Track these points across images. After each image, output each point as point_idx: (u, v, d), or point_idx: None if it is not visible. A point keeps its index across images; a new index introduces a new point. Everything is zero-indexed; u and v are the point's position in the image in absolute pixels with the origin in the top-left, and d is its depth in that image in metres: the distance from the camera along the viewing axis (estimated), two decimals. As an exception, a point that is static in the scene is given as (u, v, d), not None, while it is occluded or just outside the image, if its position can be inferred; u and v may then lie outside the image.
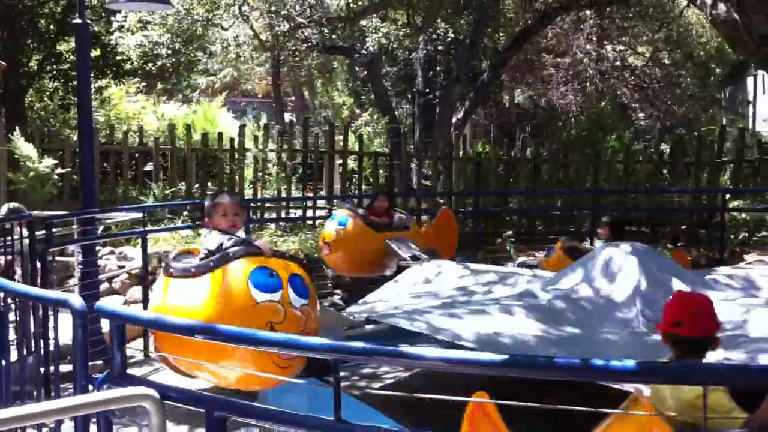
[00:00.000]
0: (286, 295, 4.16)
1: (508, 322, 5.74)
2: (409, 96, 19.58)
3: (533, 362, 3.15)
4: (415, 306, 6.40)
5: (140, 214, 8.34)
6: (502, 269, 7.83)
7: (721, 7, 10.85)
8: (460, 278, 7.47)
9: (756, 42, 10.18)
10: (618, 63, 20.57)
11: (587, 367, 2.82)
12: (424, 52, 17.11)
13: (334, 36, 15.41)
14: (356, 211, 8.14)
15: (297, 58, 20.19)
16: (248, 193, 11.85)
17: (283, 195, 11.74)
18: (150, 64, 16.84)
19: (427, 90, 17.09)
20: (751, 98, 22.11)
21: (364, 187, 12.25)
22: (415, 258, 7.71)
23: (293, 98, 27.66)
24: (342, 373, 5.44)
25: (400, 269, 7.58)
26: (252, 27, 14.13)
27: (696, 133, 13.92)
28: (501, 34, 18.05)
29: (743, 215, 11.26)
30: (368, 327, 6.34)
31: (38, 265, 6.44)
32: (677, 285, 6.25)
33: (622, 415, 3.09)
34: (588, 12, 18.59)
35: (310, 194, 12.11)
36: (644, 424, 3.01)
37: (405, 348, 3.28)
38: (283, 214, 11.57)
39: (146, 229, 7.96)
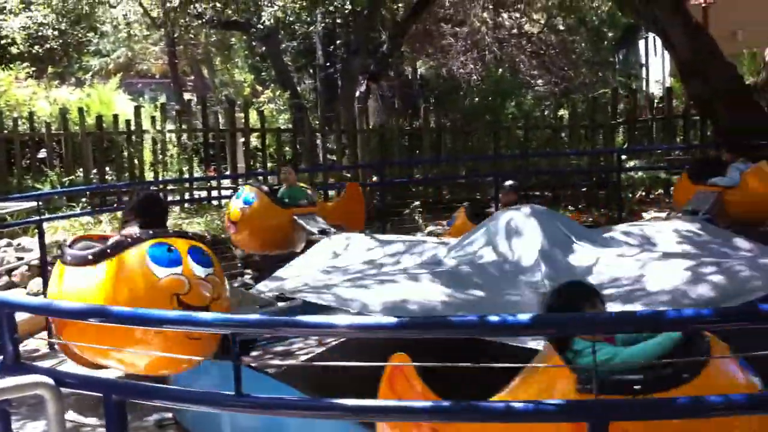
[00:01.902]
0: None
1: (415, 290, 5.78)
2: (311, 70, 19.44)
3: (434, 323, 3.22)
4: (324, 280, 6.39)
5: (35, 203, 8.02)
6: (409, 239, 7.86)
7: (608, -31, 11.16)
8: (369, 250, 7.47)
9: (644, 3, 10.51)
10: (515, 31, 20.92)
11: (484, 324, 2.89)
12: (323, 25, 16.99)
13: (228, 11, 15.11)
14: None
15: (192, 35, 19.72)
16: (149, 175, 11.56)
17: (186, 176, 11.51)
18: (37, 47, 16.18)
19: (328, 64, 17.01)
20: (643, 60, 22.79)
21: (269, 164, 12.11)
22: (324, 232, 7.62)
23: (192, 77, 27.06)
24: (257, 353, 5.42)
25: (309, 245, 7.43)
26: (141, 4, 13.72)
27: (591, 97, 14.29)
28: (399, 5, 18.06)
29: (639, 174, 11.65)
30: (280, 304, 6.29)
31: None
32: (577, 245, 6.43)
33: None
34: (483, -20, 18.83)
35: (213, 174, 11.92)
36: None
37: (303, 317, 3.29)
38: (186, 196, 11.33)
39: (42, 217, 7.67)
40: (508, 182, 8.40)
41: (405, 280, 6.16)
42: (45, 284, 7.17)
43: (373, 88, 15.66)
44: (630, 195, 11.13)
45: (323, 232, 7.64)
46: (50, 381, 2.95)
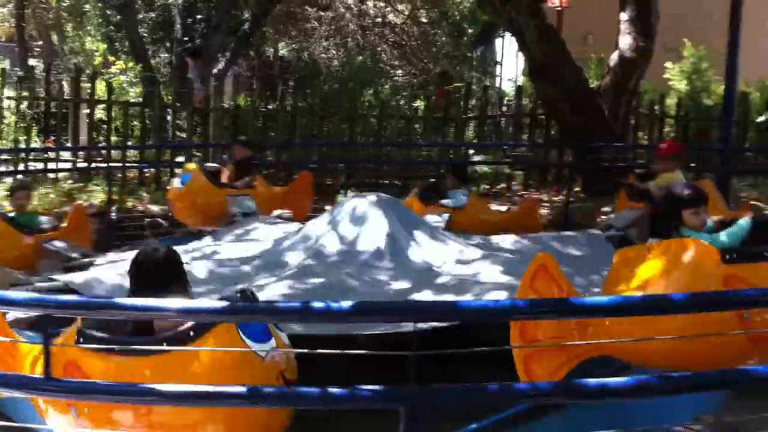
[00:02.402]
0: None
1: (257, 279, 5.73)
2: (168, 44, 18.77)
3: (255, 308, 3.16)
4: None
5: None
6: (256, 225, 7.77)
7: (468, -33, 11.39)
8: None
9: (501, 3, 10.79)
10: (378, 19, 21.05)
11: (308, 311, 2.86)
12: (182, -2, 16.44)
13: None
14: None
15: (42, -1, 18.69)
16: (-19, 143, 10.86)
17: (22, 146, 10.85)
18: None
19: (186, 38, 16.46)
20: (499, 58, 23.47)
21: (113, 138, 11.61)
22: (246, 215, 7.80)
23: (40, 43, 25.59)
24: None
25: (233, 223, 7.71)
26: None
27: (444, 90, 14.57)
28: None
29: (485, 168, 11.98)
30: (38, 284, 5.96)
31: None
32: (418, 234, 6.55)
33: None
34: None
35: (51, 144, 11.30)
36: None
37: (122, 300, 3.15)
38: (21, 167, 10.68)
39: None
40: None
41: (246, 267, 6.12)
42: None
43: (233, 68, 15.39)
44: (474, 188, 11.42)
45: (246, 215, 7.81)
46: None
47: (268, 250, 6.66)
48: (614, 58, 11.62)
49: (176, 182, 8.32)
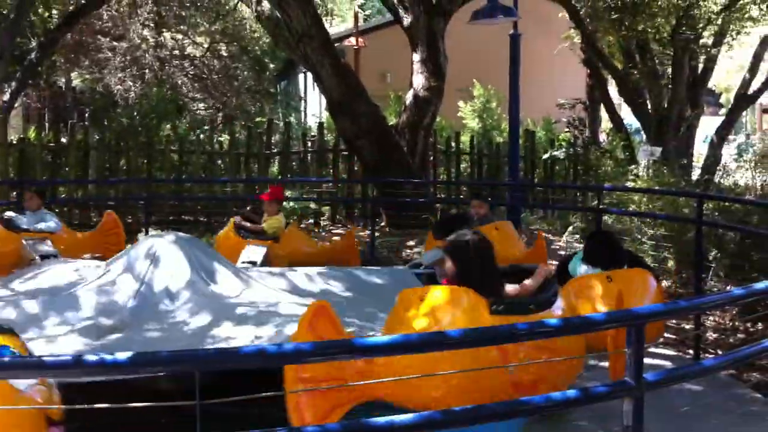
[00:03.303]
0: None
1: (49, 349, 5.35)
2: None
3: (27, 363, 2.94)
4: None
5: None
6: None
7: (266, 4, 11.44)
8: None
9: (296, 40, 10.93)
10: (177, 52, 20.64)
11: (80, 364, 2.69)
12: (-40, 23, 15.30)
13: None
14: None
15: None
16: None
17: None
18: None
19: (-35, 66, 15.32)
20: (302, 93, 23.73)
21: None
22: (45, 257, 7.30)
23: None
24: None
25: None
26: None
27: (247, 126, 14.49)
28: (54, 12, 16.92)
29: (291, 204, 11.98)
30: None
31: None
32: (220, 273, 6.42)
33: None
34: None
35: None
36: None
37: None
38: None
39: None
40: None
41: (41, 341, 5.70)
42: None
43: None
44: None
45: (46, 257, 7.31)
46: None
47: (60, 291, 6.28)
48: (409, 96, 12.11)
49: None
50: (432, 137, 12.96)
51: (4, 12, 14.60)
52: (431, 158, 13.19)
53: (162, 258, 6.34)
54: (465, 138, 14.33)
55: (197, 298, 5.99)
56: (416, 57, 12.04)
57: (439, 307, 4.05)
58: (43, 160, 11.44)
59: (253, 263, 7.62)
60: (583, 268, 5.66)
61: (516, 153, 10.55)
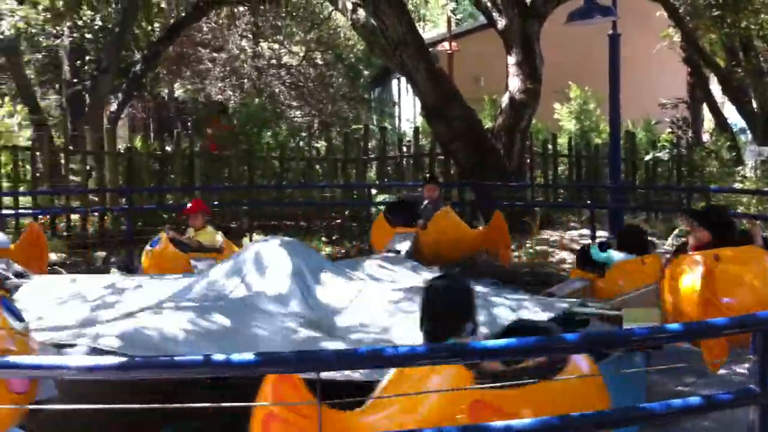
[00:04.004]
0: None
1: (156, 321, 5.56)
2: (57, 86, 18.25)
3: (159, 363, 3.07)
4: (60, 314, 5.99)
5: None
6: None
7: (361, 12, 11.58)
8: (109, 278, 7.16)
9: (392, 47, 11.03)
10: (274, 61, 21.08)
11: (208, 363, 2.81)
12: (70, 39, 16.04)
13: (-35, 16, 13.84)
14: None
15: None
16: None
17: None
18: None
19: (75, 80, 16.06)
20: (396, 99, 23.87)
21: (5, 184, 11.13)
22: (20, 275, 7.07)
23: None
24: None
25: None
26: None
27: (344, 132, 14.68)
28: (155, 25, 17.55)
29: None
30: None
31: None
32: (326, 277, 6.52)
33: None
34: (241, 8, 18.80)
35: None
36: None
37: (23, 359, 3.02)
38: None
39: None
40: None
41: (148, 314, 5.92)
42: None
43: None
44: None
45: (19, 275, 7.06)
46: None
47: (174, 293, 6.51)
48: (505, 99, 12.01)
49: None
50: (528, 140, 12.83)
51: (109, 26, 15.23)
52: (528, 161, 13.06)
53: (268, 262, 6.50)
54: (562, 140, 14.13)
55: (303, 302, 6.11)
56: (511, 60, 11.95)
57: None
58: (150, 168, 11.87)
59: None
60: (620, 255, 6.68)
61: (617, 154, 10.35)
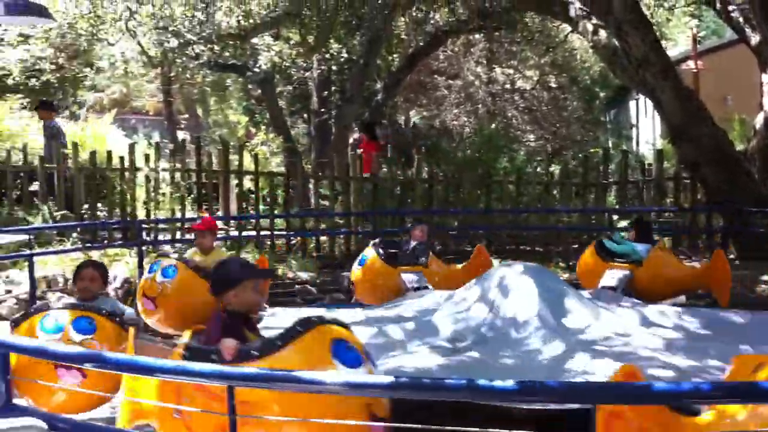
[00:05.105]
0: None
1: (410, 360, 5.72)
2: (305, 115, 19.56)
3: (425, 384, 3.20)
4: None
5: (26, 236, 7.97)
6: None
7: (602, 33, 11.35)
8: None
9: (635, 67, 10.70)
10: (507, 86, 21.21)
11: (473, 388, 2.88)
12: (319, 71, 17.15)
13: (225, 53, 15.24)
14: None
15: (188, 75, 19.86)
16: (141, 214, 11.53)
17: (177, 216, 11.47)
18: (33, 80, 16.22)
19: (323, 110, 17.12)
20: (633, 121, 23.12)
21: (261, 207, 12.10)
22: (418, 289, 7.78)
23: (186, 116, 27.17)
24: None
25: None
26: (139, 43, 13.80)
27: (582, 155, 14.41)
28: (395, 55, 18.30)
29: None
30: None
31: None
32: (570, 303, 6.45)
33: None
34: (477, 36, 19.10)
35: (205, 215, 11.87)
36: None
37: (300, 373, 3.27)
38: (177, 236, 11.27)
39: (33, 252, 7.61)
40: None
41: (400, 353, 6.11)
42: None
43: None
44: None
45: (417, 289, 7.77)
46: (43, 424, 2.91)
47: (418, 318, 6.73)
48: (759, 120, 11.24)
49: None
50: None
51: (354, 58, 16.09)
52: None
53: (511, 287, 6.54)
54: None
55: (546, 328, 6.08)
56: (765, 78, 11.19)
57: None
58: (392, 192, 12.36)
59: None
60: (641, 247, 7.93)
61: None
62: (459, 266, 8.74)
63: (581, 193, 12.48)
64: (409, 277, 7.95)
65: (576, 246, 11.71)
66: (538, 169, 13.62)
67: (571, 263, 10.98)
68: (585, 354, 5.55)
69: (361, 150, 13.11)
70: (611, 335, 6.06)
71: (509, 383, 2.86)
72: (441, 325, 6.46)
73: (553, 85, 21.53)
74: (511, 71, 21.42)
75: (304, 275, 10.10)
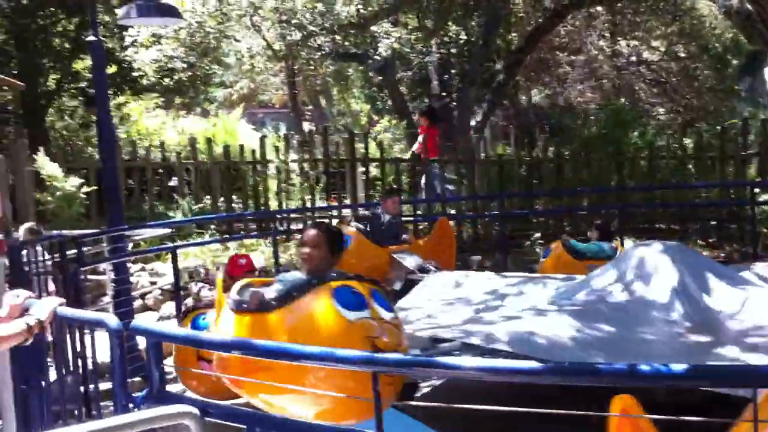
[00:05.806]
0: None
1: (542, 324, 5.71)
2: (426, 100, 19.54)
3: (577, 369, 3.12)
4: (447, 313, 6.41)
5: (168, 230, 8.35)
6: (529, 276, 7.79)
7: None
8: (489, 281, 7.49)
9: (771, 31, 10.10)
10: (633, 58, 20.47)
11: (633, 373, 2.77)
12: (438, 55, 17.07)
13: (346, 43, 15.39)
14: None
15: (311, 67, 20.19)
16: (273, 204, 11.88)
17: (308, 205, 11.75)
18: (167, 79, 16.91)
19: (443, 93, 17.05)
20: (769, 89, 21.86)
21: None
22: (423, 270, 7.73)
23: (311, 107, 27.70)
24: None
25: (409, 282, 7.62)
26: (264, 37, 14.14)
27: (719, 127, 13.73)
28: (514, 34, 18.01)
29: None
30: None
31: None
32: (714, 281, 6.19)
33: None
34: (599, 8, 18.50)
35: (334, 203, 12.12)
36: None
37: (441, 359, 3.27)
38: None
39: (176, 244, 7.98)
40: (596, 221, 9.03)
41: (530, 315, 6.10)
42: (178, 308, 7.45)
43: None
44: (766, 230, 10.59)
45: (422, 270, 7.67)
46: (196, 411, 3.00)
47: (556, 294, 6.65)
48: None
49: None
50: None
51: (473, 40, 15.92)
52: None
53: (651, 267, 6.34)
54: None
55: (690, 308, 5.87)
56: None
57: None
58: (519, 174, 12.21)
59: None
60: (606, 245, 8.41)
61: None
62: (421, 241, 8.81)
63: (719, 167, 11.91)
64: (412, 261, 7.74)
65: (715, 222, 11.22)
66: (671, 143, 13.10)
67: (710, 240, 10.55)
68: (732, 335, 5.34)
69: (422, 135, 12.85)
70: (760, 315, 5.77)
71: (677, 368, 2.72)
72: (575, 304, 6.35)
73: (682, 55, 20.60)
74: (636, 43, 20.64)
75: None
